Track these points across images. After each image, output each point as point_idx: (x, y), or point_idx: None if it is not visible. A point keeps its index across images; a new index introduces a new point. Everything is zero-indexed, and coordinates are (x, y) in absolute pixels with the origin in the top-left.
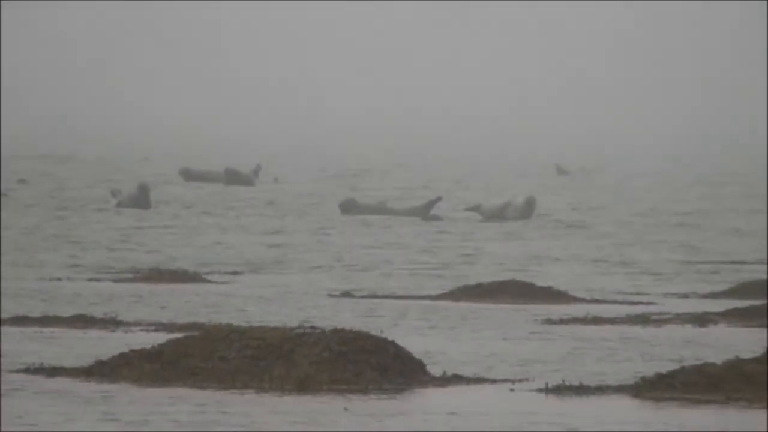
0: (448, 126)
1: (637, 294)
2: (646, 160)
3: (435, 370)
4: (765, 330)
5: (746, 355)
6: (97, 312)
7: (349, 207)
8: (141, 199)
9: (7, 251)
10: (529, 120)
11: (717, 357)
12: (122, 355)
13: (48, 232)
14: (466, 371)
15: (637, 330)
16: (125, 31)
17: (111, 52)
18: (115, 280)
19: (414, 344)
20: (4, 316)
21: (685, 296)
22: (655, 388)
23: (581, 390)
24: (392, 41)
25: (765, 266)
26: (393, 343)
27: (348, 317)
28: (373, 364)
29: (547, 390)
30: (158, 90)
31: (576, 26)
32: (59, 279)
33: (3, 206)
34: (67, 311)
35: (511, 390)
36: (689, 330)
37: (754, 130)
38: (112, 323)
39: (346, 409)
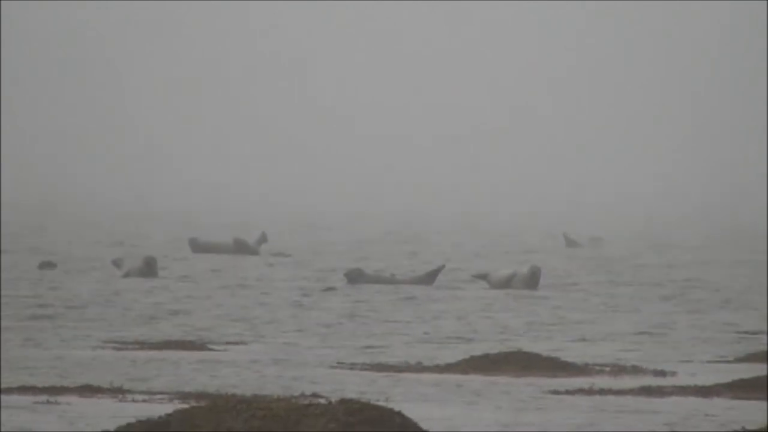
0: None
1: (645, 363)
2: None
3: None
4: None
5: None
6: (104, 381)
7: (355, 277)
8: (147, 272)
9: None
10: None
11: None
12: (129, 425)
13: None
14: None
15: (641, 401)
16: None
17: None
18: (121, 349)
19: (420, 415)
20: (11, 385)
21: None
22: None
23: None
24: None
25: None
26: (399, 414)
27: (353, 388)
28: None
29: None
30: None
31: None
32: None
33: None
34: (74, 380)
35: None
36: (692, 401)
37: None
38: (119, 392)
39: None
